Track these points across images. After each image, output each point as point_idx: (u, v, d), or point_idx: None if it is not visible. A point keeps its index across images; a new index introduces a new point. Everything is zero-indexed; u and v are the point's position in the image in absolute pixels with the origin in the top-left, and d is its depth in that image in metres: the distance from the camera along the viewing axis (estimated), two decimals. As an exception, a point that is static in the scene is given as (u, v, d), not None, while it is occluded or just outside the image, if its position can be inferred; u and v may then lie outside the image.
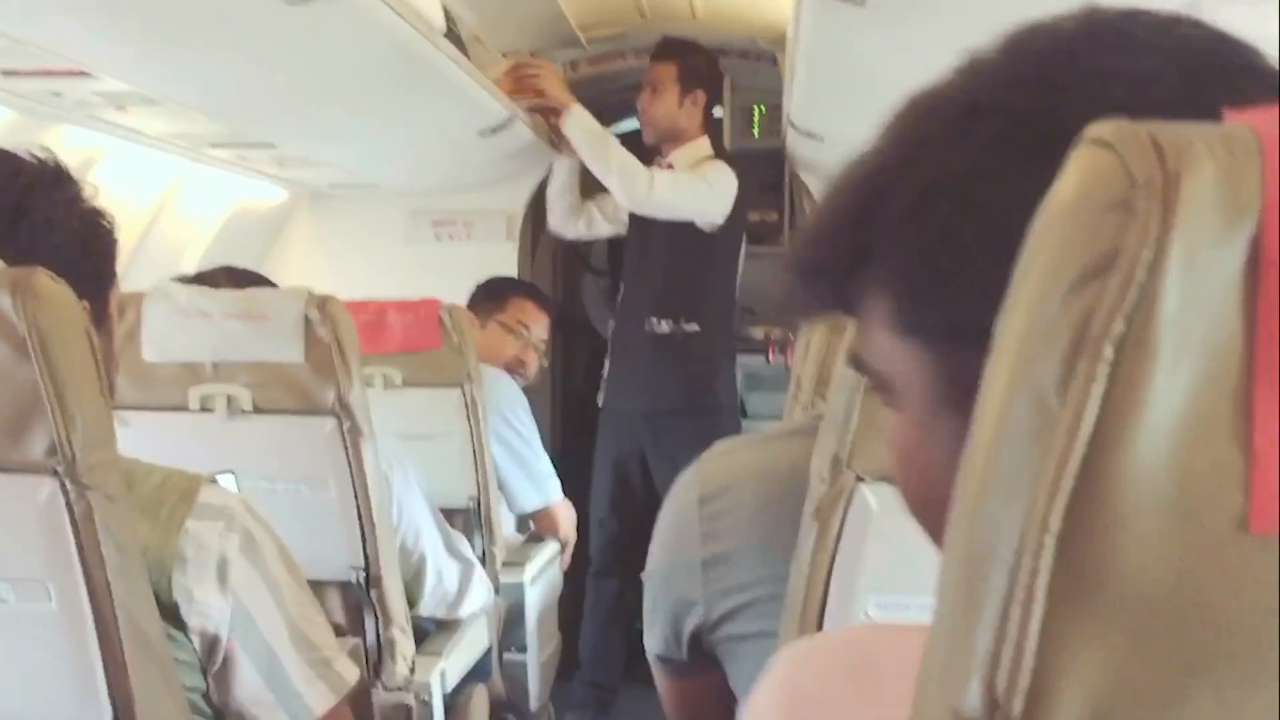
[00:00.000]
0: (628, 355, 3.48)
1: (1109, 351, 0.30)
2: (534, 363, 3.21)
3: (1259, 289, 0.30)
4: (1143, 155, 0.31)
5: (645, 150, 3.61)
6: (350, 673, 1.32)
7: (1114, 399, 0.30)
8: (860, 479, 1.04)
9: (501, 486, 2.82)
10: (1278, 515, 0.30)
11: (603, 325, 3.84)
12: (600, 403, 3.57)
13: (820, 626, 1.05)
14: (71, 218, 1.15)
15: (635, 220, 3.48)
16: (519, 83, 3.32)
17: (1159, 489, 0.30)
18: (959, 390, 0.48)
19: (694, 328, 3.42)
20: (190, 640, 1.18)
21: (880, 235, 0.52)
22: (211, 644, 1.20)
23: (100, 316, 1.16)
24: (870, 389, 1.04)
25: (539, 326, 3.21)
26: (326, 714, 1.28)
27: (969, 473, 0.34)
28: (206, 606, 1.18)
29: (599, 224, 3.71)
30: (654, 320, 3.41)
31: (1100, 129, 0.32)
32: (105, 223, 1.20)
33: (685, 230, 3.38)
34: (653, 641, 1.18)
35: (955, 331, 0.49)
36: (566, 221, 3.72)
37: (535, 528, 3.07)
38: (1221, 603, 0.30)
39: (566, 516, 3.09)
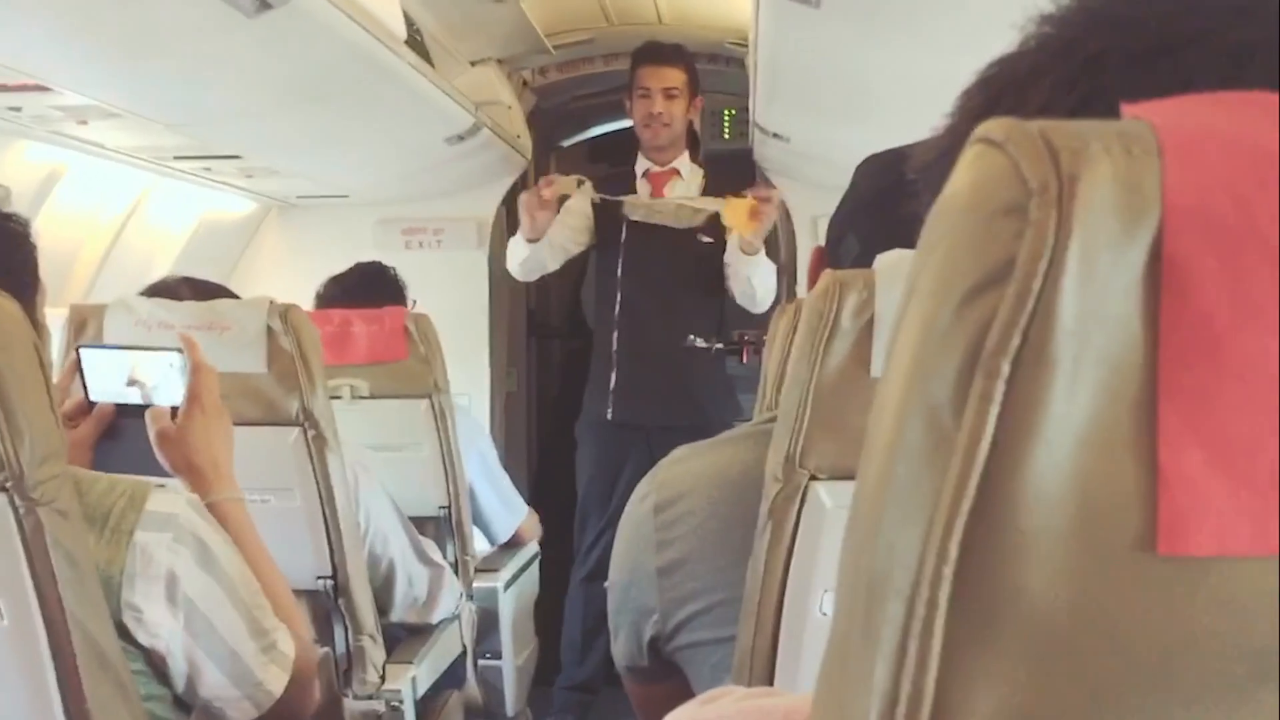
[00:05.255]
0: (645, 369, 3.43)
1: (1005, 367, 0.28)
2: None
3: (1161, 294, 0.28)
4: (1036, 158, 0.29)
5: (624, 156, 3.61)
6: (288, 645, 1.33)
7: (1011, 417, 0.28)
8: (814, 477, 1.05)
9: (478, 520, 2.80)
10: (1187, 535, 0.28)
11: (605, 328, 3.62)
12: (609, 416, 3.46)
13: (778, 625, 1.05)
14: None
15: (633, 235, 3.43)
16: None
17: (1060, 511, 0.29)
18: None
19: (718, 344, 3.45)
20: (141, 654, 1.18)
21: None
22: (162, 661, 1.19)
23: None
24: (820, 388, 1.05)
25: None
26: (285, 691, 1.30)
27: (863, 490, 0.32)
28: (156, 626, 1.17)
29: (552, 261, 3.58)
30: (690, 336, 3.39)
31: (990, 128, 0.30)
32: (19, 230, 1.17)
33: (698, 245, 3.38)
34: (619, 652, 1.18)
35: None
36: (528, 276, 3.64)
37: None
38: (1129, 629, 0.29)
39: (533, 525, 3.08)
